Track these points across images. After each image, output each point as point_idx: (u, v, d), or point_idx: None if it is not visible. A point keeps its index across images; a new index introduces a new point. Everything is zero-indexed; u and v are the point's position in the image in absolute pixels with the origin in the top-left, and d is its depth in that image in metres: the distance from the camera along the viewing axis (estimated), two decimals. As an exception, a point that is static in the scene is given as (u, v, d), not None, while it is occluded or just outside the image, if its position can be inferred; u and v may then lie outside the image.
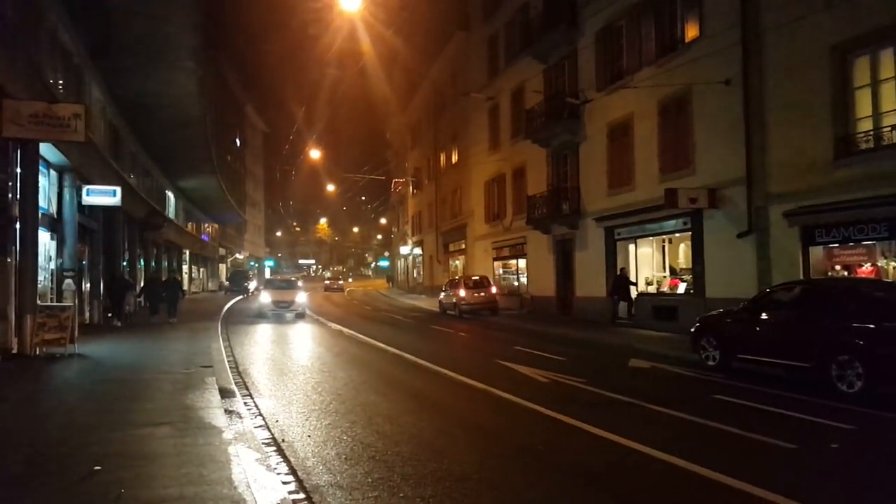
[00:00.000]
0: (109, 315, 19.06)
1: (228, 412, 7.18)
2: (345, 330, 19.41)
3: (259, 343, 15.81)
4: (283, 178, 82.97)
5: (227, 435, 6.14)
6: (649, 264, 20.57)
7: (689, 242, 19.31)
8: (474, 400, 8.74)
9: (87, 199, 17.27)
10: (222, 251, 60.00)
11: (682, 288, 18.75)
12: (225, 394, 8.32)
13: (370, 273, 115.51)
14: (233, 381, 9.42)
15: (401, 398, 8.77)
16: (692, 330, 12.89)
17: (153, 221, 27.02)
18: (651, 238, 20.34)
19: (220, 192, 38.35)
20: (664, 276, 20.14)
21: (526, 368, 11.44)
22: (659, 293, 19.74)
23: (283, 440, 6.35)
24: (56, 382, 9.53)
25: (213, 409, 7.29)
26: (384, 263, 75.78)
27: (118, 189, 17.89)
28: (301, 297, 24.24)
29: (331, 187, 73.54)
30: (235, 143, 55.77)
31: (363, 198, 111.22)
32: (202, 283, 50.13)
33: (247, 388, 9.28)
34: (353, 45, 48.78)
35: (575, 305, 23.61)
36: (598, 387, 9.65)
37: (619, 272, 19.80)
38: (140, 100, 22.98)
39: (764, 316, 11.36)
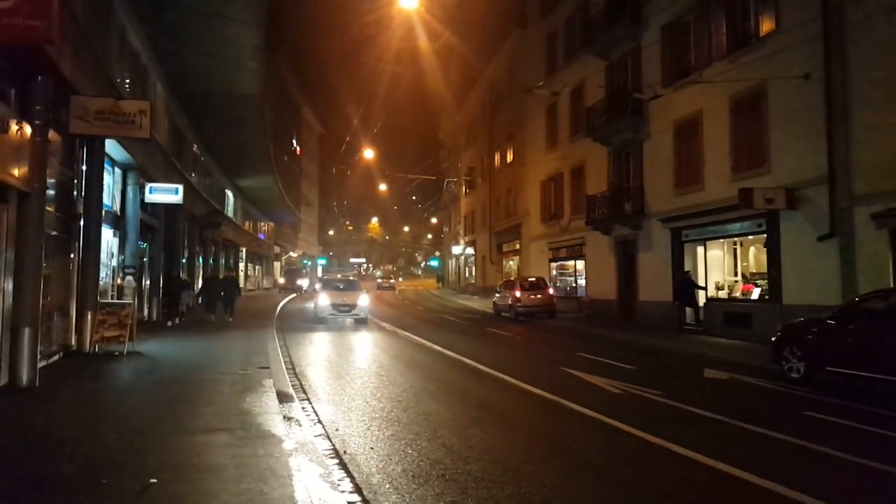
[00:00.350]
0: (167, 312, 19.13)
1: (287, 419, 6.85)
2: (399, 331, 19.09)
3: (314, 343, 15.60)
4: (337, 177, 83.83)
5: (288, 445, 5.78)
6: (719, 268, 19.51)
7: (763, 245, 18.34)
8: (543, 412, 8.18)
9: (150, 197, 17.44)
10: (277, 249, 60.89)
11: (755, 294, 17.69)
12: (283, 398, 8.02)
13: (420, 273, 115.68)
14: (290, 384, 9.15)
15: (464, 408, 8.29)
16: (773, 339, 12.00)
17: (213, 220, 27.39)
18: (721, 240, 19.29)
19: (276, 192, 38.80)
20: (735, 281, 19.06)
21: (594, 378, 10.81)
22: (730, 299, 18.68)
23: (345, 452, 5.96)
24: (114, 382, 9.45)
25: (272, 415, 6.97)
26: (434, 263, 75.61)
27: (180, 187, 18.01)
28: (363, 300, 21.17)
29: (383, 187, 73.85)
30: (292, 143, 56.45)
31: (413, 197, 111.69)
32: (257, 281, 50.93)
33: (304, 392, 8.98)
34: (409, 44, 48.69)
35: (637, 310, 22.70)
36: (676, 400, 8.96)
37: (682, 275, 18.81)
38: (203, 98, 23.21)
39: (856, 325, 10.44)
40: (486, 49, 39.23)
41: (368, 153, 49.25)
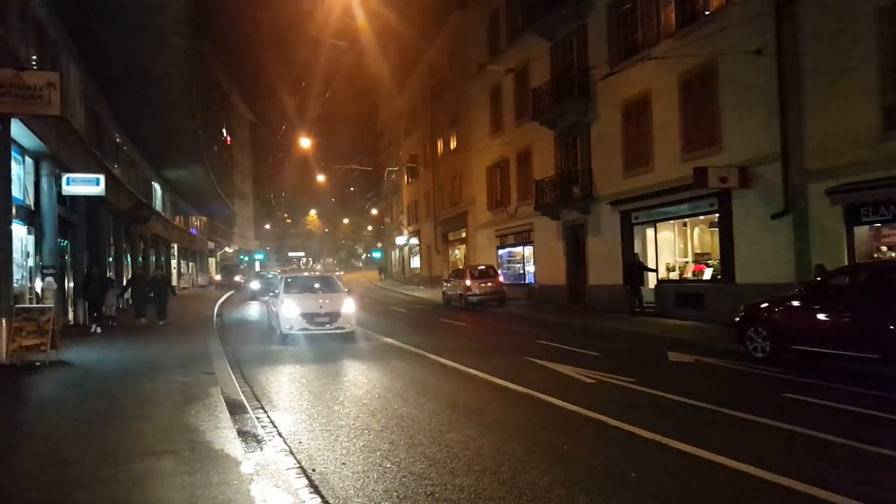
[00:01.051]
0: (94, 316, 16.49)
1: (242, 434, 6.00)
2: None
3: (260, 343, 14.53)
4: (272, 168, 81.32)
5: (246, 467, 4.97)
6: (670, 249, 19.49)
7: (714, 225, 18.40)
8: (522, 409, 7.59)
9: (68, 189, 15.88)
10: (211, 245, 58.40)
11: (707, 274, 17.71)
12: (234, 408, 7.13)
13: (361, 265, 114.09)
14: (240, 391, 8.23)
15: (437, 408, 7.60)
16: (737, 319, 11.86)
17: (140, 214, 25.62)
18: (672, 221, 19.25)
19: (208, 183, 36.84)
20: (686, 262, 19.09)
21: (562, 366, 10.34)
22: (682, 280, 18.68)
23: (313, 469, 5.19)
24: (35, 398, 8.28)
25: (224, 430, 6.11)
26: (377, 255, 74.44)
27: (101, 177, 16.47)
28: (349, 306, 14.39)
29: (321, 178, 71.94)
30: (222, 133, 54.03)
31: (352, 189, 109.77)
32: (192, 279, 48.64)
33: (257, 399, 8.10)
34: (345, 27, 47.17)
35: (588, 294, 22.55)
36: (651, 387, 8.56)
37: (631, 258, 18.70)
38: (123, 81, 21.36)
39: (822, 303, 10.33)
40: (425, 32, 38.36)
41: (305, 142, 47.57)
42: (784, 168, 14.76)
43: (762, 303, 11.73)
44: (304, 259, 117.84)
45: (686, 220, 18.84)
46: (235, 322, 20.35)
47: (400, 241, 49.64)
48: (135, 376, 9.42)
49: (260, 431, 6.16)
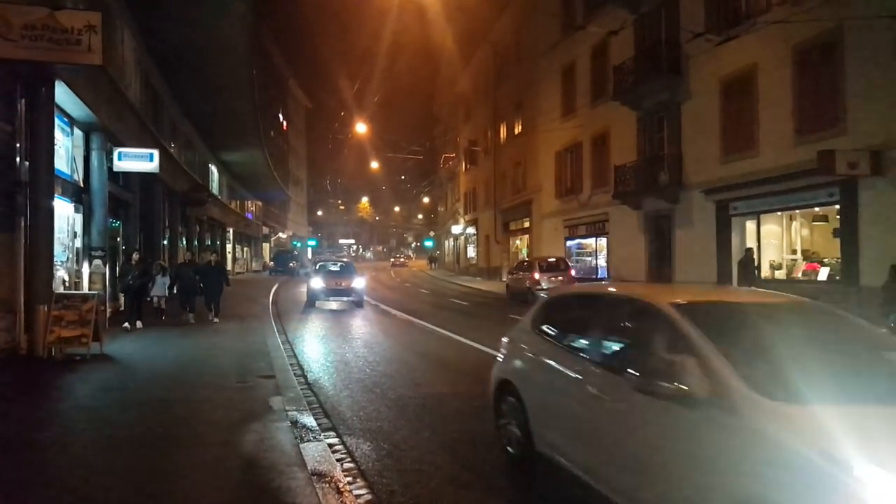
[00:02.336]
0: (135, 307, 13.47)
1: (317, 476, 4.52)
2: (414, 320, 16.75)
3: (324, 337, 13.17)
4: (327, 154, 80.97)
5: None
6: (777, 245, 17.35)
7: (820, 219, 16.31)
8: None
9: (120, 165, 14.83)
10: (266, 230, 58.19)
11: (823, 274, 15.56)
12: (301, 431, 5.69)
13: (411, 254, 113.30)
14: (306, 404, 6.82)
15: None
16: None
17: (196, 196, 24.78)
18: (780, 213, 17.11)
19: (265, 167, 36.08)
20: (795, 260, 16.95)
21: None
22: (790, 279, 16.55)
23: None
24: (67, 405, 6.96)
25: (292, 469, 4.65)
26: (429, 243, 73.16)
27: (155, 153, 15.37)
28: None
29: (375, 164, 71.06)
30: (278, 117, 53.54)
31: (403, 177, 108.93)
32: (246, 264, 48.37)
33: (327, 416, 6.65)
34: (403, 11, 45.77)
35: (673, 292, 20.53)
36: None
37: (745, 253, 16.53)
38: (182, 54, 20.31)
39: None
40: (489, 11, 36.49)
41: (361, 127, 46.61)
42: (931, 152, 12.56)
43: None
44: (355, 246, 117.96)
45: (798, 211, 16.68)
46: (292, 311, 19.17)
47: (456, 229, 48.11)
48: (185, 378, 8.19)
49: (339, 474, 4.67)
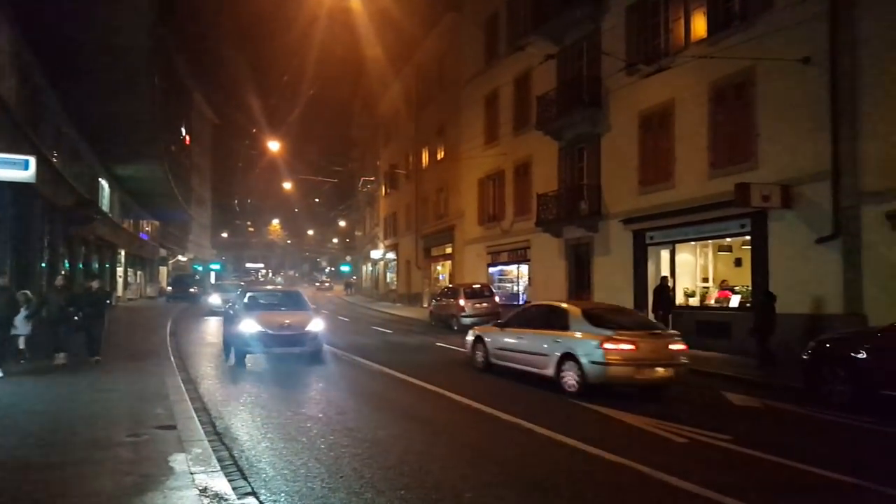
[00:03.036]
0: None
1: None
2: (337, 352, 15.92)
3: (231, 375, 12.29)
4: (233, 173, 78.76)
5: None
6: (690, 273, 18.29)
7: (724, 249, 17.41)
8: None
9: (-16, 171, 13.39)
10: (163, 252, 55.32)
11: (734, 301, 16.50)
12: (213, 502, 4.96)
13: (325, 279, 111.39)
14: (217, 462, 5.96)
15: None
16: (805, 357, 10.57)
17: (83, 213, 22.89)
18: (694, 243, 18.08)
19: (165, 183, 34.02)
20: (707, 288, 17.90)
21: (628, 416, 8.75)
22: (703, 307, 17.46)
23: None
24: None
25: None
26: (346, 268, 72.26)
27: (31, 160, 13.75)
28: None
29: (287, 185, 69.70)
30: (181, 132, 51.40)
31: (317, 200, 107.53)
32: (140, 289, 45.58)
33: (244, 478, 5.75)
34: (321, 30, 45.59)
35: (593, 319, 21.16)
36: (755, 447, 7.13)
37: (660, 280, 17.31)
38: (71, 50, 18.42)
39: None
40: (412, 34, 36.96)
41: (273, 145, 45.60)
42: (834, 188, 13.70)
43: (839, 338, 10.51)
44: (264, 271, 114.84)
45: (709, 241, 17.67)
46: (195, 343, 18.16)
47: (375, 254, 47.84)
48: (58, 435, 6.93)
49: None
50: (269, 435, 7.58)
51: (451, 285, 26.69)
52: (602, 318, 10.56)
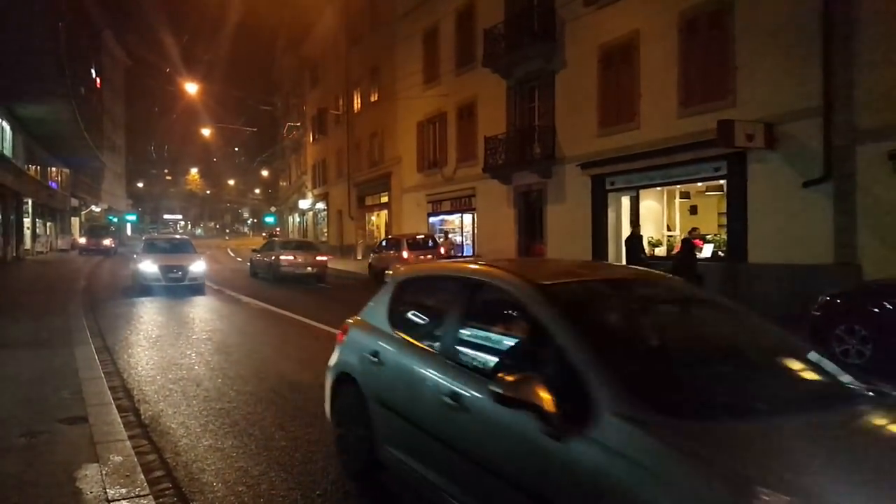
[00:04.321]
0: None
1: None
2: (273, 309, 13.95)
3: (157, 341, 9.96)
4: (150, 120, 72.46)
5: None
6: (655, 221, 16.79)
7: (705, 196, 15.97)
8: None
9: None
10: (75, 202, 50.13)
11: (707, 250, 15.09)
12: None
13: (248, 231, 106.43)
14: (144, 476, 4.04)
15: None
16: (816, 312, 9.08)
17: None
18: (660, 189, 16.52)
19: (74, 126, 29.90)
20: (673, 236, 16.47)
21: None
22: (670, 257, 15.99)
23: None
24: None
25: None
26: (271, 220, 68.41)
27: None
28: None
29: (206, 132, 64.46)
30: (91, 73, 45.91)
31: (236, 148, 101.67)
32: (50, 242, 41.14)
33: (179, 495, 4.04)
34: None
35: (546, 271, 19.52)
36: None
37: (632, 230, 15.59)
38: None
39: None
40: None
41: (191, 87, 40.89)
42: (825, 125, 12.19)
43: (856, 292, 9.08)
44: (182, 222, 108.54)
45: (678, 186, 16.15)
46: (112, 301, 15.38)
47: (304, 204, 44.61)
48: None
49: None
50: (211, 425, 5.55)
51: (391, 236, 24.38)
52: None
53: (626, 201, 17.53)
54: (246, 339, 10.32)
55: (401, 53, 27.68)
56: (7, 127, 28.21)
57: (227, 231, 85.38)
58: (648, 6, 15.80)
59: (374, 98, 31.26)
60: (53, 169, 40.61)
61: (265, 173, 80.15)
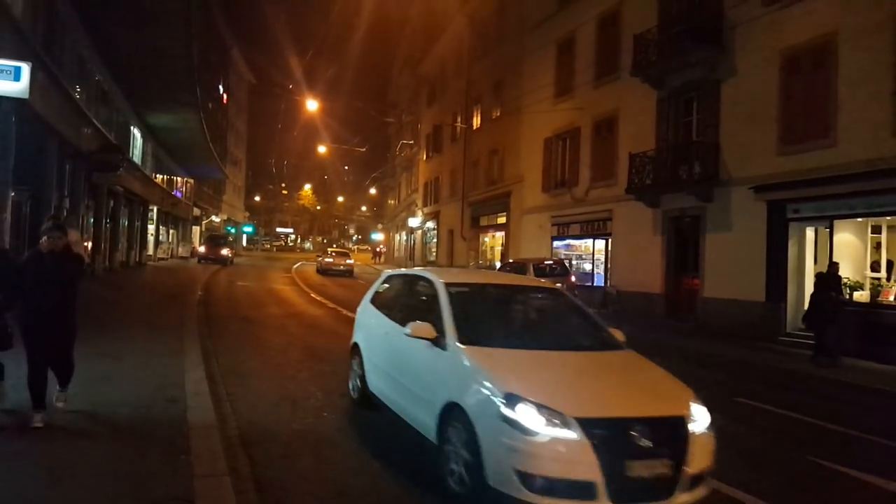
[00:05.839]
0: None
1: None
2: None
3: (285, 370, 8.41)
4: (269, 135, 74.62)
5: None
6: (854, 259, 13.57)
7: None
8: None
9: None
10: (197, 212, 51.54)
11: (931, 301, 11.87)
12: None
13: (353, 247, 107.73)
14: None
15: None
16: None
17: (108, 159, 19.07)
18: (862, 220, 13.38)
19: (201, 136, 30.06)
20: (879, 279, 13.24)
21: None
22: (875, 304, 12.82)
23: None
24: None
25: None
26: (378, 237, 68.13)
27: (25, 69, 9.94)
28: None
29: (322, 149, 65.12)
30: (219, 89, 47.16)
31: (346, 167, 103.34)
32: (171, 248, 42.03)
33: None
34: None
35: (700, 309, 16.66)
36: None
37: (829, 267, 12.50)
38: None
39: None
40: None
41: (311, 105, 40.73)
42: None
43: None
44: (293, 236, 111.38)
45: (885, 218, 12.98)
46: (233, 319, 14.07)
47: (413, 222, 43.29)
48: None
49: None
50: None
51: (513, 259, 22.16)
52: None
53: (810, 233, 14.51)
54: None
55: (529, 66, 25.66)
56: (138, 134, 28.58)
57: (349, 245, 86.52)
58: (850, 4, 12.96)
59: (495, 114, 29.35)
60: (179, 179, 41.62)
61: (373, 191, 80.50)
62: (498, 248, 29.20)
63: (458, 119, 33.21)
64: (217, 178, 50.84)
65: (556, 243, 23.68)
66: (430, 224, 39.60)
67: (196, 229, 52.81)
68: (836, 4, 13.40)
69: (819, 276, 12.34)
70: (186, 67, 21.20)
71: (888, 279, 12.89)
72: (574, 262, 22.35)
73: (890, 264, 12.99)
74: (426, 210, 40.77)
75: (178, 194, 41.95)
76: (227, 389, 7.02)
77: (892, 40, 12.23)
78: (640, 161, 18.29)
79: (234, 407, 6.36)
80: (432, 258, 39.14)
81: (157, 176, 33.87)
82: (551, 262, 19.59)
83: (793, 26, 14.32)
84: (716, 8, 16.38)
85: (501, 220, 28.27)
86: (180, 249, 44.52)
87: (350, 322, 7.46)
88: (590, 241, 21.91)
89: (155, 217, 35.32)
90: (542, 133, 24.50)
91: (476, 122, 32.10)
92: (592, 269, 21.75)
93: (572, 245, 23.15)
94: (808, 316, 12.18)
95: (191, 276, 24.92)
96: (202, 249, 39.67)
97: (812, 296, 12.32)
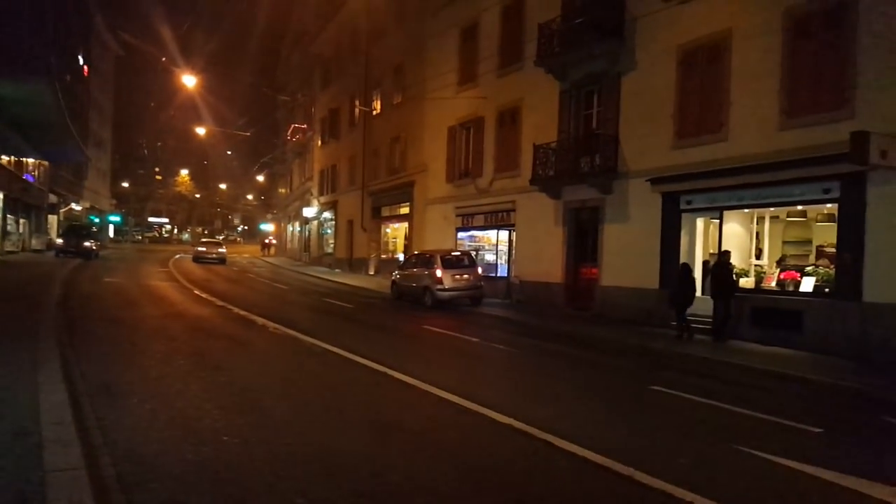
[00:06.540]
0: None
1: None
2: (304, 338, 12.01)
3: (159, 382, 8.11)
4: (141, 116, 70.81)
5: None
6: (741, 248, 15.13)
7: (806, 218, 14.42)
8: None
9: None
10: (53, 199, 47.89)
11: (807, 284, 13.46)
12: None
13: (239, 238, 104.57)
14: None
15: None
16: None
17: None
18: (749, 211, 14.92)
19: (56, 112, 27.38)
20: (762, 266, 14.86)
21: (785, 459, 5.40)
22: (759, 290, 14.38)
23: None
24: None
25: None
26: (268, 227, 66.61)
27: None
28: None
29: (201, 131, 62.64)
30: (77, 59, 43.92)
31: (229, 152, 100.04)
32: (23, 241, 38.86)
33: None
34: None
35: (599, 298, 17.89)
36: None
37: (720, 256, 13.94)
38: None
39: None
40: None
41: (189, 80, 38.86)
42: (979, 144, 10.69)
43: None
44: (169, 226, 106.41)
45: (774, 209, 14.57)
46: (98, 322, 13.52)
47: (308, 212, 42.78)
48: None
49: None
50: None
51: (420, 251, 22.66)
52: None
53: (700, 223, 16.00)
54: (279, 380, 8.53)
55: (432, 51, 26.21)
56: (-25, 107, 26.13)
57: (220, 238, 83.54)
58: (745, 3, 14.38)
59: (397, 100, 29.72)
60: (31, 161, 38.53)
61: (261, 178, 78.48)
62: (401, 240, 29.62)
63: (357, 103, 33.24)
64: (77, 160, 47.53)
65: (460, 234, 24.44)
66: (328, 214, 39.38)
67: (53, 219, 49.25)
68: (732, 2, 14.77)
69: (714, 264, 13.76)
70: (37, 35, 19.54)
71: (772, 266, 14.51)
72: (478, 253, 23.18)
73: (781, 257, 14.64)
74: (323, 199, 40.48)
75: (30, 178, 39.00)
76: (96, 413, 6.00)
77: (782, 40, 13.72)
78: (543, 152, 19.29)
79: (106, 437, 5.34)
80: (329, 250, 38.95)
81: (2, 157, 31.25)
82: (458, 253, 20.29)
83: (690, 22, 15.62)
84: (618, 0, 17.55)
85: (404, 210, 28.71)
86: (34, 241, 41.30)
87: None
88: (493, 233, 22.83)
89: (1, 204, 32.47)
90: (445, 121, 25.13)
91: (376, 107, 32.27)
92: (496, 260, 22.66)
93: (476, 236, 24.00)
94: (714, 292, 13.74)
95: (47, 272, 23.17)
96: (60, 241, 37.16)
97: (712, 273, 13.85)
